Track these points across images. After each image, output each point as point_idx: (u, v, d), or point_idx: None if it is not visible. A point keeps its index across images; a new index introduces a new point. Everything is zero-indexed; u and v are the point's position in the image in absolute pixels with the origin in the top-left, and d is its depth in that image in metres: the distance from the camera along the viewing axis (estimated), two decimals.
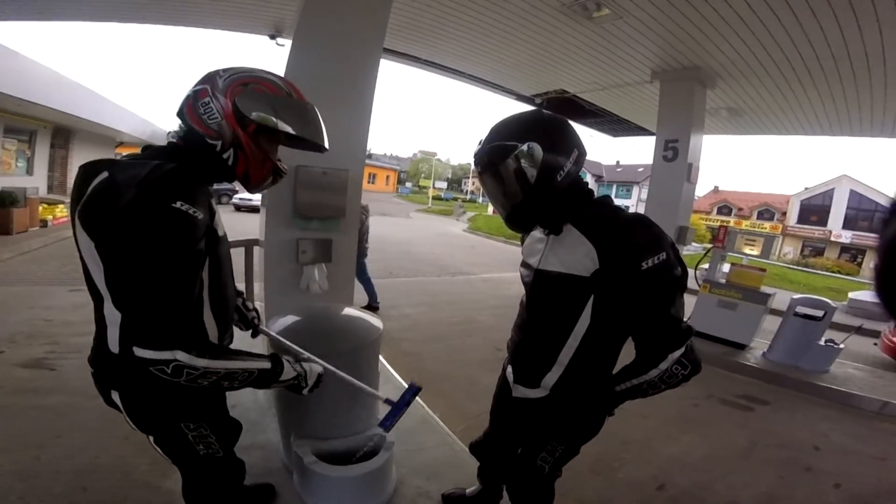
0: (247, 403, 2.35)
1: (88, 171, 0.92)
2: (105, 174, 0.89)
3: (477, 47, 5.02)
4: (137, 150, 1.05)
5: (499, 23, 4.27)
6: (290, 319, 1.89)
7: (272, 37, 4.94)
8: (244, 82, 0.96)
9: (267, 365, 1.04)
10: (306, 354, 1.29)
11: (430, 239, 14.71)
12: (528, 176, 1.07)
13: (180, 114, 0.98)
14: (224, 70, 0.98)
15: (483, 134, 1.16)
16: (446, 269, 9.57)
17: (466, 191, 57.39)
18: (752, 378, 4.42)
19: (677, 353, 1.03)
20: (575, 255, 1.09)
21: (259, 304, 2.46)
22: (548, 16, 3.96)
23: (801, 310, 4.69)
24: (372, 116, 2.69)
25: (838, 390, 4.11)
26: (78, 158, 12.76)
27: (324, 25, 2.40)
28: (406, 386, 1.51)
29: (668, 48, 4.42)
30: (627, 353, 1.18)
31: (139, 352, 0.85)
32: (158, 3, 4.48)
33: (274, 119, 0.98)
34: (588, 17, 3.81)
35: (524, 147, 1.06)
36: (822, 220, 26.94)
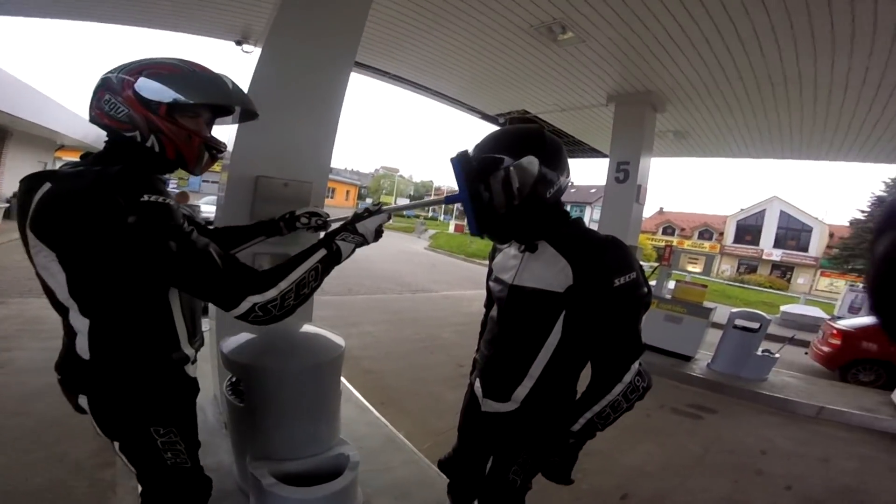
0: None
1: (29, 183, 0.92)
2: (48, 185, 0.89)
3: (446, 64, 5.10)
4: (78, 156, 1.05)
5: (469, 41, 4.36)
6: (245, 337, 1.81)
7: (238, 43, 4.82)
8: (138, 70, 0.95)
9: (323, 252, 1.09)
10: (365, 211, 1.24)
11: (391, 256, 14.59)
12: (522, 187, 1.10)
13: (93, 120, 0.98)
14: (114, 68, 0.97)
15: (476, 141, 1.19)
16: (407, 286, 9.52)
17: (428, 208, 57.68)
18: (699, 388, 4.67)
19: (637, 365, 1.10)
20: (551, 271, 1.13)
21: (206, 322, 2.31)
22: (516, 36, 4.09)
23: (739, 322, 5.04)
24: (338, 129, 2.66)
25: (778, 397, 4.40)
26: (14, 161, 11.64)
27: (297, 33, 2.36)
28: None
29: (624, 72, 4.69)
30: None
31: (231, 315, 0.93)
32: (122, 3, 4.28)
33: (178, 94, 0.96)
34: (553, 40, 3.96)
35: (525, 159, 1.09)
36: (755, 239, 29.16)
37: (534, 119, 6.64)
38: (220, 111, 1.12)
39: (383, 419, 2.73)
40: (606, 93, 5.41)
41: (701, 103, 5.22)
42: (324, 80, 2.49)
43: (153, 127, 0.96)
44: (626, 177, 5.57)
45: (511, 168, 1.10)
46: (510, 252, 1.30)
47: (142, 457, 1.07)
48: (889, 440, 3.78)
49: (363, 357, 4.43)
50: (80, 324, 0.96)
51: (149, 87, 0.94)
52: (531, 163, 1.10)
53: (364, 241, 1.20)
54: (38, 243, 0.90)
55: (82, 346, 0.97)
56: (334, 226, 1.57)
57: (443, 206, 53.56)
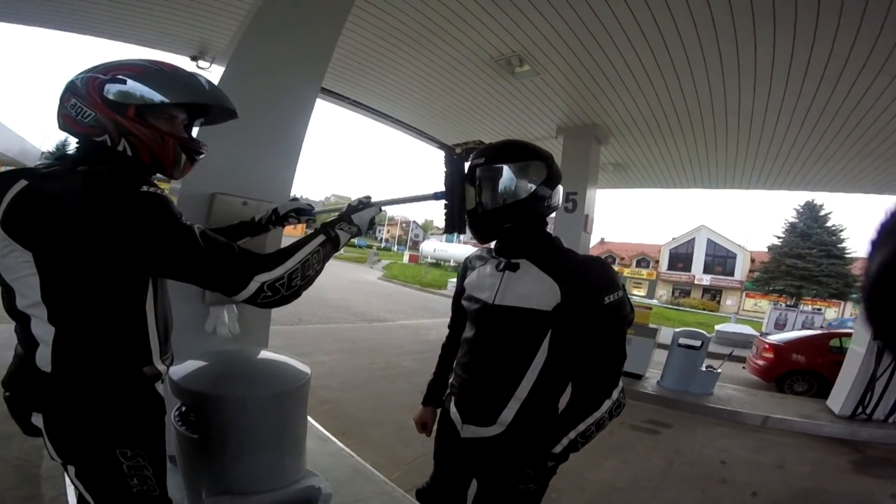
0: None
1: None
2: (24, 183, 0.85)
3: (409, 93, 5.19)
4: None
5: (433, 70, 4.48)
6: (196, 363, 1.65)
7: (194, 58, 4.68)
8: (104, 72, 0.93)
9: (322, 237, 1.10)
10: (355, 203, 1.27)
11: (344, 286, 14.22)
12: (526, 187, 1.17)
13: (62, 127, 0.95)
14: (80, 72, 0.95)
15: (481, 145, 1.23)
16: (362, 315, 9.30)
17: (381, 238, 57.26)
18: (653, 404, 4.85)
19: (621, 381, 1.11)
20: (537, 290, 1.13)
21: None
22: (477, 68, 4.26)
23: (683, 341, 5.34)
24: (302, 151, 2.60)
25: (725, 409, 4.66)
26: None
27: (266, 52, 2.32)
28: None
29: (572, 105, 4.99)
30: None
31: (238, 298, 0.91)
32: (76, 11, 4.03)
33: (147, 94, 0.94)
34: (511, 72, 4.16)
35: (538, 162, 1.18)
36: (687, 266, 31.53)
37: None
38: (195, 112, 1.09)
39: (347, 449, 2.57)
40: (556, 125, 5.72)
41: (640, 136, 5.65)
42: (289, 99, 2.45)
43: (122, 130, 0.92)
44: (574, 207, 5.80)
45: (530, 165, 1.17)
46: (485, 270, 1.29)
47: (103, 483, 0.95)
48: (832, 444, 4.07)
49: (318, 387, 4.19)
50: (45, 332, 0.88)
51: (116, 89, 0.91)
52: (540, 169, 1.17)
53: (358, 232, 1.22)
54: (12, 243, 0.85)
55: (44, 358, 0.88)
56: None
57: (396, 237, 53.53)
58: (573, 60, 3.91)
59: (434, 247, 34.30)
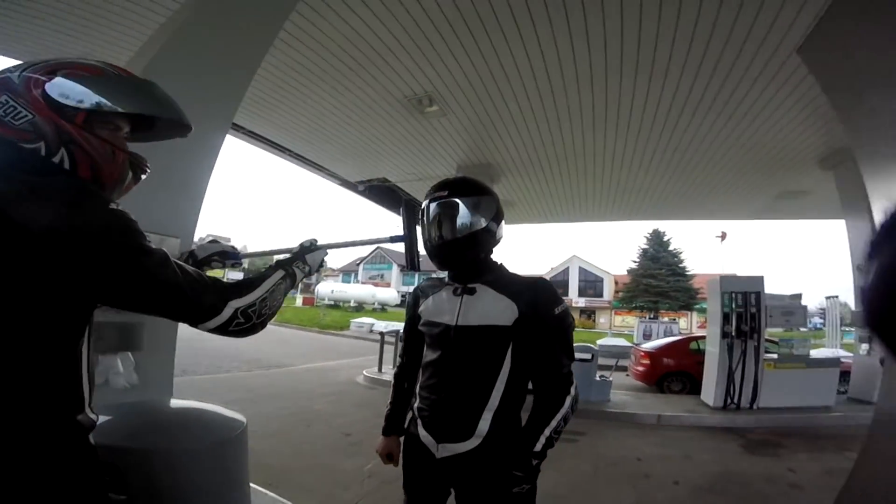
0: None
1: None
2: None
3: (316, 129, 5.13)
4: None
5: (344, 107, 4.52)
6: (105, 417, 1.39)
7: None
8: (50, 70, 0.78)
9: (282, 273, 1.04)
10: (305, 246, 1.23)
11: None
12: (480, 220, 1.29)
13: None
14: (15, 66, 0.79)
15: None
16: (257, 362, 8.49)
17: None
18: None
19: (574, 380, 1.27)
20: (496, 309, 1.27)
21: None
22: (388, 105, 4.41)
23: (577, 355, 5.89)
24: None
25: (625, 412, 5.22)
26: None
27: (175, 80, 2.11)
28: None
29: (472, 145, 5.44)
30: None
31: (209, 325, 0.83)
32: None
33: (101, 100, 0.80)
34: (421, 112, 4.41)
35: (489, 197, 1.32)
36: (565, 291, 35.20)
37: (392, 187, 6.98)
38: (139, 124, 0.94)
39: (282, 499, 2.35)
40: (457, 163, 6.14)
41: (525, 175, 6.38)
42: (198, 131, 2.25)
43: (65, 137, 0.77)
44: None
45: (487, 200, 1.31)
46: (442, 296, 1.38)
47: None
48: (718, 433, 4.74)
49: None
50: None
51: (64, 89, 0.77)
52: (490, 202, 1.31)
53: (310, 272, 1.19)
54: None
55: None
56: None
57: None
58: (475, 102, 4.32)
59: (332, 288, 33.32)
